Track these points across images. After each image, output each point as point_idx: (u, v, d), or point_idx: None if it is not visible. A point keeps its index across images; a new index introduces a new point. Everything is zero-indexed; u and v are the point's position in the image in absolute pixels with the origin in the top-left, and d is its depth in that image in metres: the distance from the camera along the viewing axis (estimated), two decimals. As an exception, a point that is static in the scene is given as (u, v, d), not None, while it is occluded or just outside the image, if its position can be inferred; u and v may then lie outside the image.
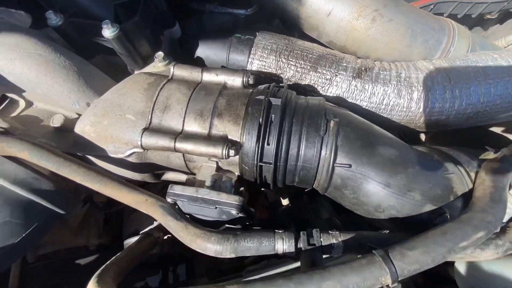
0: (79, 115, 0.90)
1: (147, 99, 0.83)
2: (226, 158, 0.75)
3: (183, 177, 0.99)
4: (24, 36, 0.81)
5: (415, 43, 1.04)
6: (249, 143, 0.76)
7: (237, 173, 0.85)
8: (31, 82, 0.81)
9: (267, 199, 1.03)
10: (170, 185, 0.76)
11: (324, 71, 0.98)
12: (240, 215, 0.74)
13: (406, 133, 1.24)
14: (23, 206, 0.74)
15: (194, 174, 0.91)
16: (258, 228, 0.99)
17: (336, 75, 0.97)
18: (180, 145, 0.76)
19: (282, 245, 0.68)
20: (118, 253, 0.86)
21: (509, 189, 0.69)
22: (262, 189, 1.00)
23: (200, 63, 1.09)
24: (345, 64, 0.99)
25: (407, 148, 0.78)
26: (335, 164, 0.74)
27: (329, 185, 0.78)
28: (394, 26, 1.01)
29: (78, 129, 0.83)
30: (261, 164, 0.76)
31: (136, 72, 0.99)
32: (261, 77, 1.03)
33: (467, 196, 0.73)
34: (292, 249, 0.67)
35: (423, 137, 1.39)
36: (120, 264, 0.79)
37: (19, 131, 0.83)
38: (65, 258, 1.44)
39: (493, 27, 1.58)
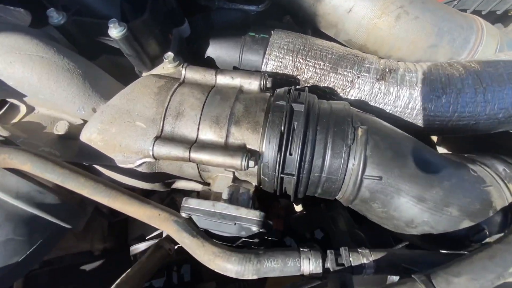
0: (85, 121, 0.84)
1: (158, 104, 0.77)
2: (245, 170, 0.69)
3: (195, 186, 0.93)
4: (24, 37, 0.75)
5: (442, 42, 0.97)
6: (270, 152, 0.70)
7: (254, 184, 0.79)
8: (32, 87, 0.75)
9: (282, 208, 0.98)
10: (184, 199, 0.71)
11: (345, 73, 0.92)
12: (261, 231, 0.69)
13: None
14: (27, 221, 0.69)
15: (208, 184, 0.86)
16: (273, 239, 0.94)
17: (358, 77, 0.91)
18: (195, 155, 0.70)
19: (309, 265, 0.62)
20: (129, 270, 0.81)
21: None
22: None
23: (209, 64, 1.03)
24: (367, 65, 0.92)
25: (441, 158, 0.72)
26: (363, 176, 0.68)
27: (356, 198, 0.72)
28: (420, 24, 0.94)
29: (84, 137, 0.77)
30: (283, 175, 0.70)
31: (144, 74, 0.93)
32: (276, 79, 0.97)
33: (506, 211, 0.68)
34: (320, 269, 0.62)
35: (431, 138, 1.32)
36: (132, 282, 0.74)
37: (21, 139, 0.77)
38: (69, 264, 1.41)
39: (515, 23, 1.51)
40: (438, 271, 0.52)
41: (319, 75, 0.93)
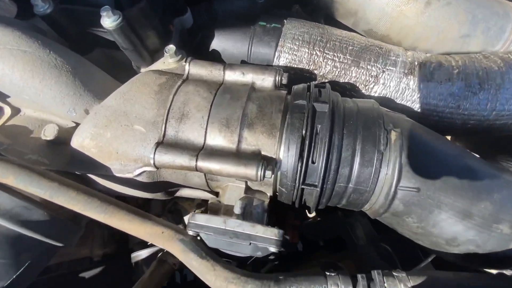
0: (77, 124, 0.74)
1: (159, 105, 0.68)
2: (261, 181, 0.60)
3: (201, 194, 0.85)
4: (4, 29, 0.65)
5: (475, 31, 0.87)
6: (289, 160, 0.61)
7: (269, 194, 0.70)
8: (15, 86, 0.65)
9: (298, 218, 0.89)
10: (191, 214, 0.62)
11: (368, 66, 0.81)
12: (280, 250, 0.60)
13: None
14: (12, 242, 0.60)
15: (217, 194, 0.77)
16: (289, 253, 0.85)
17: (383, 71, 0.81)
18: (203, 164, 0.61)
19: (338, 293, 0.53)
20: (131, 289, 0.73)
21: None
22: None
23: (215, 58, 0.93)
24: (393, 57, 0.82)
25: (489, 167, 0.63)
26: (398, 188, 0.59)
27: (386, 211, 0.63)
28: (453, 10, 0.84)
29: (76, 143, 0.67)
30: (304, 187, 0.61)
31: (142, 70, 0.83)
32: (290, 74, 0.86)
33: None
34: (350, 297, 0.53)
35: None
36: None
37: (4, 146, 0.68)
38: (68, 271, 1.34)
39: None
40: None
41: (338, 70, 0.83)
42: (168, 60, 0.80)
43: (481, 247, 0.58)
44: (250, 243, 0.59)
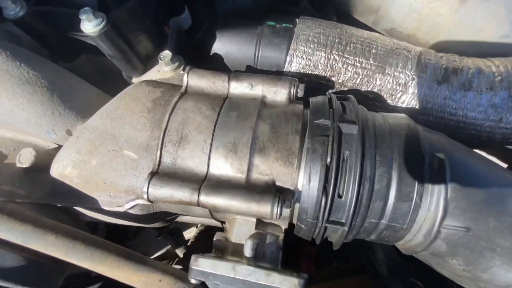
0: (59, 145, 0.64)
1: (153, 126, 0.57)
2: (277, 219, 0.50)
3: (204, 220, 0.75)
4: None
5: (516, 30, 0.75)
6: (311, 194, 0.50)
7: (284, 227, 0.60)
8: (-21, 106, 0.54)
9: (314, 246, 0.79)
10: (193, 258, 0.52)
11: (395, 73, 0.70)
12: (300, 301, 0.50)
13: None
14: (-20, 295, 0.50)
15: (222, 223, 0.67)
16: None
17: (413, 79, 0.70)
18: (207, 199, 0.50)
19: None
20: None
21: None
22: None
23: (216, 63, 0.81)
24: (424, 61, 0.71)
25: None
26: (442, 226, 0.49)
27: (425, 250, 0.53)
28: (492, 8, 0.72)
29: (56, 172, 0.57)
30: (329, 225, 0.51)
31: (134, 79, 0.72)
32: (303, 81, 0.76)
33: None
34: None
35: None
36: None
37: (-28, 175, 0.57)
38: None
39: None
40: None
41: (360, 77, 0.72)
42: (164, 68, 0.69)
43: (544, 299, 0.49)
44: (265, 296, 0.49)
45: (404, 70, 0.70)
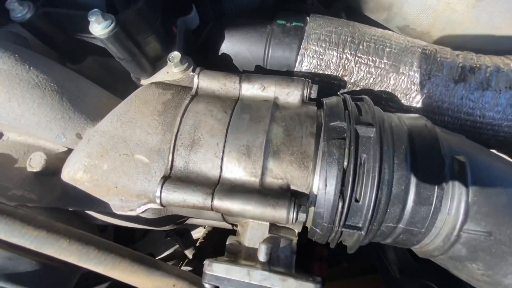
0: (70, 148, 0.63)
1: (164, 129, 0.56)
2: (293, 224, 0.49)
3: (216, 223, 0.74)
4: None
5: (535, 25, 0.73)
6: (327, 198, 0.49)
7: (297, 230, 0.59)
8: (-11, 111, 0.54)
9: (325, 248, 0.78)
10: (207, 263, 0.51)
11: (410, 72, 0.69)
12: (316, 307, 0.49)
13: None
14: (-5, 300, 0.50)
15: (234, 226, 0.66)
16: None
17: (428, 78, 0.68)
18: (220, 203, 0.50)
19: None
20: None
21: None
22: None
23: (225, 64, 0.80)
24: (440, 60, 0.69)
25: None
26: (462, 231, 0.48)
27: (444, 254, 0.52)
28: (511, 4, 0.70)
29: (67, 176, 0.57)
30: (345, 229, 0.50)
31: (143, 81, 0.71)
32: (314, 81, 0.74)
33: None
34: None
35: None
36: None
37: (-17, 180, 0.57)
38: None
39: None
40: None
41: (374, 76, 0.70)
42: (173, 70, 0.68)
43: None
44: (281, 302, 0.48)
45: (419, 69, 0.68)
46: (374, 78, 0.70)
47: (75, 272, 0.62)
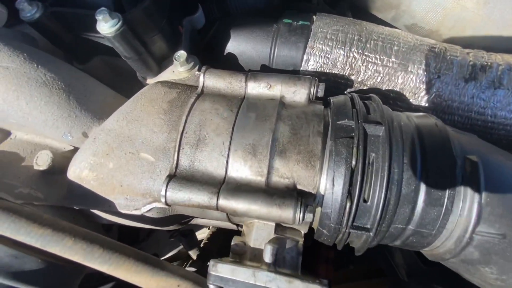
0: (76, 147, 0.64)
1: (169, 127, 0.56)
2: (299, 224, 0.48)
3: (219, 223, 0.74)
4: (-18, 40, 0.54)
5: (549, 22, 0.71)
6: (334, 198, 0.48)
7: (303, 231, 0.58)
8: (-2, 109, 0.54)
9: (331, 250, 0.77)
10: (212, 263, 0.50)
11: (419, 71, 0.67)
12: (323, 310, 0.48)
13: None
14: (1, 298, 0.50)
15: (239, 226, 0.66)
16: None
17: (438, 76, 0.66)
18: (226, 202, 0.49)
19: None
20: None
21: None
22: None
23: (230, 63, 0.80)
24: (449, 58, 0.67)
25: None
26: (475, 233, 0.46)
27: (455, 257, 0.50)
28: (523, -2, 0.68)
29: (73, 174, 0.57)
30: (353, 230, 0.49)
31: (149, 80, 0.71)
32: (320, 80, 0.73)
33: None
34: None
35: None
36: None
37: (-9, 178, 0.58)
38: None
39: None
40: None
41: (381, 75, 0.69)
42: (178, 69, 0.68)
43: None
44: (288, 304, 0.47)
45: (428, 68, 0.67)
46: (381, 77, 0.69)
47: (80, 271, 0.62)
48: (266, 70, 0.77)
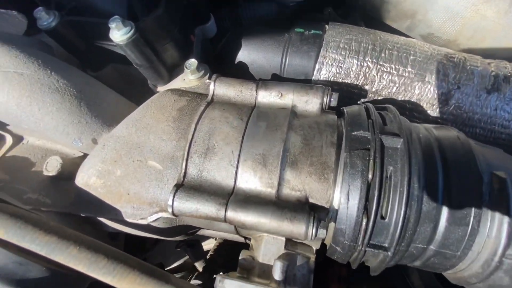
0: (85, 154, 0.63)
1: (178, 135, 0.55)
2: (312, 240, 0.45)
3: (227, 235, 0.71)
4: None
5: None
6: (349, 213, 0.45)
7: (315, 248, 0.55)
8: (11, 115, 0.55)
9: (344, 267, 0.73)
10: (219, 279, 0.48)
11: (437, 81, 0.65)
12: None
13: None
14: (2, 307, 0.49)
15: (247, 239, 0.63)
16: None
17: (458, 87, 0.64)
18: (234, 215, 0.47)
19: None
20: None
21: None
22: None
23: (241, 72, 0.79)
24: (470, 68, 0.65)
25: None
26: (505, 257, 0.42)
27: (482, 281, 0.46)
28: (548, 7, 0.65)
29: (81, 181, 0.56)
30: (369, 249, 0.46)
31: (159, 88, 0.71)
32: (333, 89, 0.71)
33: None
34: None
35: None
36: None
37: (1, 183, 0.58)
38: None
39: None
40: None
41: (397, 85, 0.67)
42: (189, 77, 0.67)
43: None
44: (298, 327, 0.44)
45: (446, 78, 0.64)
46: (397, 87, 0.67)
47: (84, 280, 0.60)
48: (277, 79, 0.76)
